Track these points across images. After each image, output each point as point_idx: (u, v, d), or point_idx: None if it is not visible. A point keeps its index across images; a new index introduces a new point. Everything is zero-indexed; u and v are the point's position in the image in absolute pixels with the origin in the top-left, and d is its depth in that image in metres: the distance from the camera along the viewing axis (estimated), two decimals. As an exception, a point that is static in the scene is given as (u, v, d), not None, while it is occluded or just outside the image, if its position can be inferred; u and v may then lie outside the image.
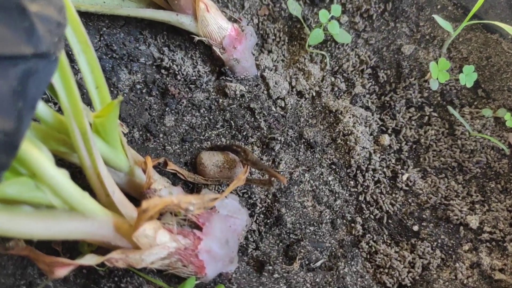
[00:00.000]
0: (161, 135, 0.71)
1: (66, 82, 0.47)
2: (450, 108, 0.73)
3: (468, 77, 0.71)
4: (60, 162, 0.50)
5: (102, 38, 0.73)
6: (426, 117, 0.75)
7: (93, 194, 0.51)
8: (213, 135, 0.73)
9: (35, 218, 0.45)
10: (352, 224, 0.70)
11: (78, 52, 0.50)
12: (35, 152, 0.42)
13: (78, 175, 0.62)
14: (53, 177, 0.44)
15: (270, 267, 0.64)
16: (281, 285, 0.63)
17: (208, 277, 0.58)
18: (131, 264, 0.53)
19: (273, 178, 0.65)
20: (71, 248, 0.60)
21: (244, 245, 0.66)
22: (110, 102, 0.50)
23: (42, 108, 0.51)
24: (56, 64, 0.33)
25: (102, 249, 0.56)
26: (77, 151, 0.50)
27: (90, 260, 0.51)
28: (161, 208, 0.49)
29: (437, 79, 0.72)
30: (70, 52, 0.67)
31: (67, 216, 0.47)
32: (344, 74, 0.79)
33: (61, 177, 0.45)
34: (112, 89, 0.72)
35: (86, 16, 0.73)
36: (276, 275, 0.63)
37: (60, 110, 0.65)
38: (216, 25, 0.73)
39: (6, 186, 0.42)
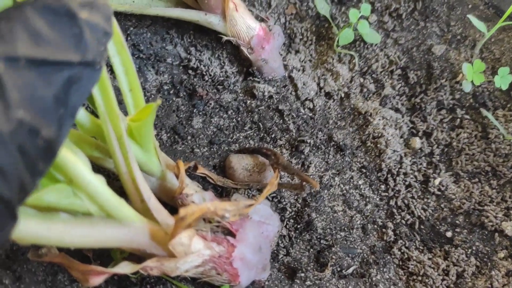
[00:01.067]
0: (189, 138, 0.70)
1: (103, 86, 0.46)
2: (483, 111, 0.72)
3: (503, 79, 0.69)
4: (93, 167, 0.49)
5: (129, 38, 0.72)
6: (458, 120, 0.73)
7: (126, 200, 0.50)
8: (241, 137, 0.72)
9: (72, 226, 0.44)
10: (383, 230, 0.68)
11: (113, 54, 0.49)
12: (72, 158, 0.41)
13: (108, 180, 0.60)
14: (90, 183, 0.43)
15: (302, 274, 0.63)
16: (313, 292, 0.62)
17: (241, 285, 0.57)
18: (166, 273, 0.52)
19: (304, 183, 0.64)
20: (102, 254, 0.59)
21: (275, 251, 0.65)
22: (145, 105, 0.49)
23: (80, 112, 0.50)
24: (100, 73, 0.32)
25: (134, 255, 0.55)
26: (112, 156, 0.49)
27: (124, 268, 0.50)
28: (198, 216, 0.48)
29: (472, 81, 0.70)
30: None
31: (104, 223, 0.46)
32: (373, 75, 0.78)
33: (98, 183, 0.44)
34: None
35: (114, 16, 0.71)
36: (308, 283, 0.62)
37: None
38: (244, 24, 0.72)
39: (44, 194, 0.41)
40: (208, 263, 0.53)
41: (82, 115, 0.51)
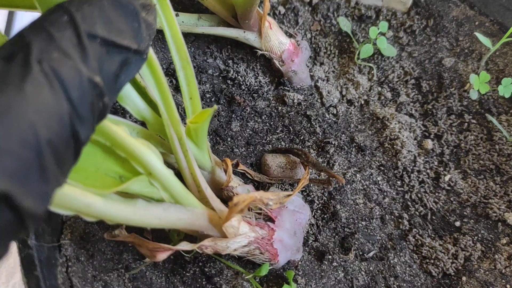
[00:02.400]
0: (229, 139, 0.80)
1: (165, 96, 0.56)
2: (488, 116, 0.81)
3: (506, 88, 0.78)
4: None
5: (176, 53, 0.82)
6: (466, 124, 0.83)
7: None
8: (273, 139, 0.82)
9: (150, 210, 0.53)
10: (400, 220, 0.77)
11: (179, 68, 0.59)
12: (150, 154, 0.50)
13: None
14: (164, 175, 0.52)
15: (329, 257, 0.72)
16: (339, 272, 0.71)
17: (279, 264, 0.67)
18: (218, 251, 0.61)
19: (331, 178, 0.74)
20: (158, 237, 0.69)
21: (305, 237, 0.74)
22: (203, 110, 0.59)
23: (149, 114, 0.61)
24: (144, 61, 0.39)
25: (188, 238, 0.65)
26: (174, 153, 0.59)
27: (186, 246, 0.60)
28: (248, 203, 0.58)
29: (478, 90, 0.79)
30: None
31: (174, 208, 0.55)
32: (390, 84, 0.87)
33: (170, 175, 0.54)
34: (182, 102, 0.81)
35: (163, 34, 0.82)
36: (334, 264, 0.72)
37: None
38: (277, 40, 0.82)
39: (131, 184, 0.50)
40: (253, 243, 0.63)
41: (149, 115, 0.62)
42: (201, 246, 0.60)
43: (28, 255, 0.54)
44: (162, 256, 0.60)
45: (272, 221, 0.66)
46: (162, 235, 0.69)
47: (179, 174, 0.59)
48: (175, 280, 0.66)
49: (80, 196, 0.43)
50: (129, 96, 0.59)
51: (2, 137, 0.26)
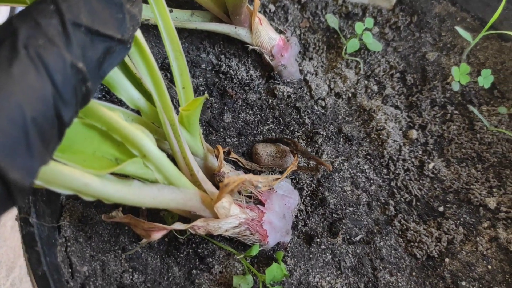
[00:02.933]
0: (221, 130, 0.83)
1: (157, 84, 0.59)
2: (470, 107, 0.84)
3: (485, 79, 0.82)
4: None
5: (170, 48, 0.86)
6: (449, 115, 0.86)
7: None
8: (264, 130, 0.85)
9: (145, 190, 0.56)
10: (386, 206, 0.81)
11: (172, 59, 0.63)
12: (144, 138, 0.53)
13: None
14: (157, 157, 0.55)
15: (318, 240, 0.75)
16: (327, 254, 0.74)
17: (269, 245, 0.70)
18: (210, 231, 0.64)
19: (319, 165, 0.77)
20: (153, 221, 0.72)
21: (295, 222, 0.77)
22: (195, 98, 0.62)
23: (143, 103, 0.64)
24: (128, 50, 0.41)
25: (182, 220, 0.68)
26: (167, 139, 0.62)
27: (179, 226, 0.63)
28: (239, 183, 0.61)
29: (459, 81, 0.83)
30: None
31: (167, 189, 0.58)
32: (376, 78, 0.91)
33: (163, 157, 0.56)
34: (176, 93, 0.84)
35: (157, 29, 0.85)
36: (323, 247, 0.75)
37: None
38: (267, 36, 0.85)
39: (126, 165, 0.52)
40: (243, 224, 0.66)
41: (144, 105, 0.65)
42: (193, 226, 0.63)
43: (30, 232, 0.57)
44: (157, 235, 0.63)
45: (262, 204, 0.70)
46: (157, 219, 0.72)
47: (173, 160, 0.62)
48: (170, 261, 0.69)
49: (79, 176, 0.46)
50: (124, 87, 0.63)
51: None
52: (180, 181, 0.59)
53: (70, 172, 0.44)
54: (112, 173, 0.53)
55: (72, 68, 0.33)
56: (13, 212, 1.15)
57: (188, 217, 0.66)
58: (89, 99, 0.38)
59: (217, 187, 0.67)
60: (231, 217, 0.64)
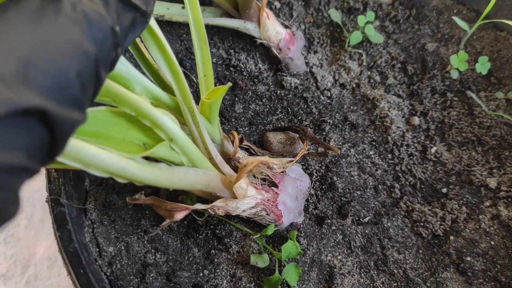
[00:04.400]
0: (233, 120, 0.87)
1: (175, 74, 0.62)
2: (468, 93, 0.89)
3: (483, 66, 0.87)
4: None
5: (182, 43, 0.90)
6: (449, 101, 0.90)
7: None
8: (273, 119, 0.89)
9: (173, 172, 0.59)
10: (391, 189, 0.85)
11: (197, 47, 0.66)
12: (171, 122, 0.56)
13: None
14: (184, 140, 0.58)
15: (329, 221, 0.79)
16: (338, 235, 0.78)
17: (283, 225, 0.74)
18: (228, 211, 0.68)
19: (327, 150, 0.81)
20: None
21: (306, 206, 0.81)
22: (218, 86, 0.65)
23: (163, 95, 0.67)
24: (147, 24, 0.43)
25: (201, 202, 0.71)
26: (187, 125, 0.66)
27: (200, 206, 0.66)
28: (256, 164, 0.65)
29: (457, 68, 0.87)
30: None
31: (193, 171, 0.61)
32: (378, 69, 0.95)
33: (189, 141, 0.60)
34: (192, 83, 0.88)
35: (171, 25, 0.90)
36: (333, 227, 0.79)
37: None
38: (274, 30, 0.89)
39: (157, 149, 0.55)
40: (259, 205, 0.70)
41: (164, 96, 0.68)
42: (213, 207, 0.67)
43: (61, 211, 0.61)
44: (179, 215, 0.66)
45: (276, 186, 0.73)
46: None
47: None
48: (189, 242, 0.73)
49: (117, 160, 0.48)
50: (137, 80, 0.65)
51: (45, 60, 0.28)
52: (203, 164, 0.63)
53: (109, 157, 0.47)
54: (147, 157, 0.57)
55: (111, 31, 0.34)
56: (27, 211, 1.18)
57: (207, 198, 0.69)
58: (115, 66, 0.38)
59: (234, 171, 0.71)
60: (248, 198, 0.68)
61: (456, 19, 0.87)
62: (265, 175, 0.73)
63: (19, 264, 1.11)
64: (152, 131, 0.56)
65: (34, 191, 1.20)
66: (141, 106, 0.53)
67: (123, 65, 0.61)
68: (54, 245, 1.12)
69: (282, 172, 0.75)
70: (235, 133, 0.75)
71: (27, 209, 1.17)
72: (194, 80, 0.89)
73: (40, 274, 1.10)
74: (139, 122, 0.55)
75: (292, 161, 0.71)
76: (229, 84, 0.62)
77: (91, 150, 0.44)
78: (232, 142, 0.74)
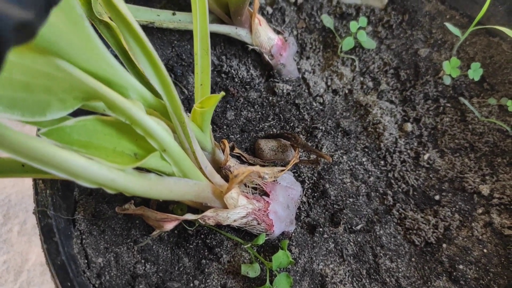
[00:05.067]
0: (224, 127, 0.87)
1: (166, 88, 0.60)
2: (461, 99, 0.88)
3: (475, 72, 0.86)
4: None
5: (173, 50, 0.90)
6: (441, 107, 0.90)
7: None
8: (265, 126, 0.88)
9: (164, 183, 0.58)
10: (384, 196, 0.84)
11: (199, 57, 0.65)
12: (165, 132, 0.55)
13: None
14: (176, 151, 0.57)
15: (320, 229, 0.78)
16: (330, 243, 0.78)
17: (274, 234, 0.73)
18: (219, 221, 0.67)
19: (319, 158, 0.80)
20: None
21: (298, 214, 0.81)
22: (210, 95, 0.64)
23: (155, 101, 0.67)
24: None
25: (191, 212, 0.70)
26: (177, 135, 0.65)
27: (190, 216, 0.65)
28: (248, 174, 0.64)
29: (450, 74, 0.87)
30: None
31: (183, 181, 0.60)
32: (371, 74, 0.95)
33: (182, 151, 0.59)
34: (183, 90, 0.88)
35: (161, 32, 0.89)
36: (325, 236, 0.78)
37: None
38: (266, 36, 0.89)
39: (148, 159, 0.53)
40: (250, 215, 0.69)
41: (154, 101, 0.68)
42: (203, 217, 0.66)
43: (48, 223, 0.60)
44: (169, 226, 0.66)
45: (267, 195, 0.73)
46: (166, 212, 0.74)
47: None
48: (180, 252, 0.72)
49: (106, 172, 0.48)
50: (133, 85, 0.65)
51: None
52: (194, 174, 0.62)
53: (98, 168, 0.46)
54: (137, 167, 0.56)
55: None
56: (20, 217, 1.17)
57: (198, 208, 0.69)
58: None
59: (225, 179, 0.71)
60: (239, 208, 0.67)
61: (449, 25, 0.87)
62: (256, 184, 0.72)
63: (12, 270, 1.10)
64: (143, 141, 0.55)
65: (27, 196, 1.19)
66: (135, 115, 0.51)
67: (117, 70, 0.60)
68: (46, 252, 1.10)
69: (274, 181, 0.75)
70: (225, 142, 0.74)
71: (20, 214, 1.17)
72: (185, 87, 0.88)
73: (33, 280, 1.09)
74: (130, 132, 0.54)
75: (284, 170, 0.70)
76: (222, 93, 0.61)
77: (80, 162, 0.44)
78: (223, 151, 0.74)
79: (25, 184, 1.21)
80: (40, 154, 0.40)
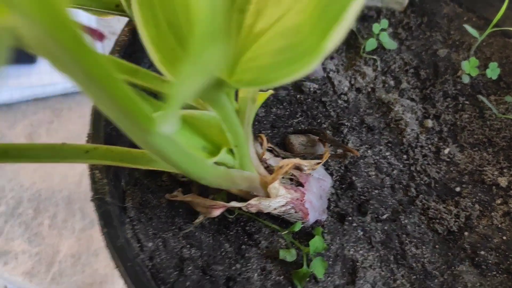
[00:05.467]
0: (256, 123, 0.92)
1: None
2: (479, 97, 0.94)
3: (493, 71, 0.91)
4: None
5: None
6: (460, 105, 0.95)
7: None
8: (294, 122, 0.93)
9: (230, 174, 0.63)
10: (407, 188, 0.89)
11: None
12: (240, 128, 0.60)
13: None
14: (244, 147, 0.61)
15: (350, 218, 0.83)
16: (358, 231, 0.83)
17: (309, 222, 0.78)
18: (261, 209, 0.72)
19: (346, 152, 0.86)
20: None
21: (328, 204, 0.85)
22: (260, 93, 0.69)
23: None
24: None
25: (232, 200, 0.75)
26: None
27: (236, 204, 0.70)
28: (291, 166, 0.69)
29: (469, 73, 0.92)
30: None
31: (243, 173, 0.65)
32: (392, 74, 1.00)
33: (247, 146, 0.64)
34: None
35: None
36: (354, 224, 0.83)
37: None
38: (294, 37, 0.94)
39: (223, 153, 0.60)
40: (289, 203, 0.74)
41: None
42: (248, 205, 0.71)
43: (107, 210, 0.65)
44: (216, 212, 0.71)
45: (302, 186, 0.78)
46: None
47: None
48: (221, 238, 0.77)
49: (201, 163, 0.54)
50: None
51: None
52: (249, 166, 0.67)
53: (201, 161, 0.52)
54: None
55: None
56: (50, 211, 1.22)
57: (241, 196, 0.74)
58: None
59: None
60: (279, 197, 0.72)
61: (468, 27, 0.92)
62: (292, 175, 0.77)
63: (44, 262, 1.15)
64: (210, 137, 0.60)
65: (57, 191, 1.24)
66: (229, 109, 0.56)
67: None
68: (76, 243, 1.17)
69: (308, 173, 0.80)
70: (263, 136, 0.79)
71: (50, 209, 1.21)
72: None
73: (65, 271, 1.13)
74: (199, 129, 0.59)
75: (320, 162, 0.75)
76: (270, 92, 0.66)
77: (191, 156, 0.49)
78: (261, 144, 0.79)
79: (54, 179, 1.25)
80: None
